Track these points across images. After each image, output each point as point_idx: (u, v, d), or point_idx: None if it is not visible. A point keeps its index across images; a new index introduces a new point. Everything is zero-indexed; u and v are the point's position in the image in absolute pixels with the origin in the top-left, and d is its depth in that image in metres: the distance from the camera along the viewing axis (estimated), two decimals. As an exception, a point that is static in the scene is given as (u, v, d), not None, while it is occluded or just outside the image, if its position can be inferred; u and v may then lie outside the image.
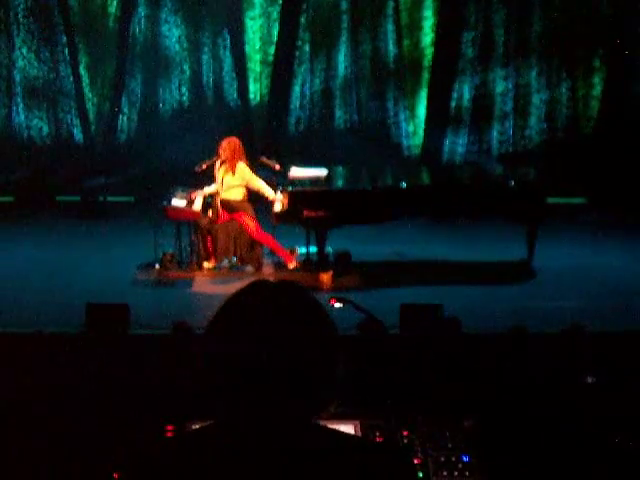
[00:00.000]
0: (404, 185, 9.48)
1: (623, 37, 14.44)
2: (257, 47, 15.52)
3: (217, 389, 1.75)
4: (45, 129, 14.99)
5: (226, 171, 9.36)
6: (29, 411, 3.18)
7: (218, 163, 9.41)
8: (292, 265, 9.46)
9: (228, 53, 15.23)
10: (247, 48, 15.41)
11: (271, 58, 15.41)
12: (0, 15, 14.75)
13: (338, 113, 15.36)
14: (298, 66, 15.19)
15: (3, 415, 3.15)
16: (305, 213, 8.93)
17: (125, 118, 15.26)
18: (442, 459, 2.93)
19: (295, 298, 1.80)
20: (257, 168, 9.56)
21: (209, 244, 9.44)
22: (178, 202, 9.45)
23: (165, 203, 9.48)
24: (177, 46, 15.26)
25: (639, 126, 13.77)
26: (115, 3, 15.22)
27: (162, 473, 1.72)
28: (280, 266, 9.54)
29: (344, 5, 15.11)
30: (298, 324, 1.74)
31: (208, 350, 1.77)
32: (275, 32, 15.28)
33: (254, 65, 15.54)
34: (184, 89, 15.39)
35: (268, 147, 13.45)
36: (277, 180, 9.54)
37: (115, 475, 2.80)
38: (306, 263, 9.60)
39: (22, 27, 14.72)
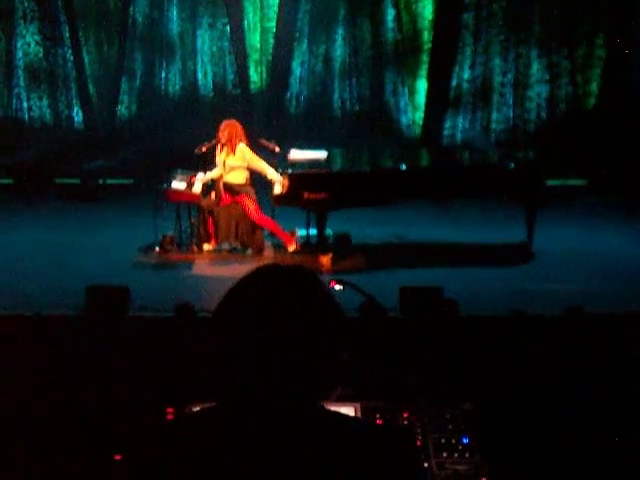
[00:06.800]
0: (404, 167, 9.47)
1: (625, 15, 14.38)
2: (257, 29, 15.46)
3: (222, 372, 1.76)
4: (46, 112, 14.97)
5: (227, 153, 9.34)
6: (29, 393, 3.18)
7: (219, 147, 9.40)
8: (292, 248, 9.46)
9: (228, 36, 15.18)
10: (247, 32, 15.35)
11: (271, 40, 15.35)
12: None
13: (337, 95, 15.32)
14: (297, 47, 15.15)
15: (3, 397, 3.16)
16: (305, 195, 8.92)
17: (125, 101, 15.24)
18: (442, 441, 2.93)
19: (304, 283, 1.79)
20: (257, 150, 9.54)
21: (210, 225, 9.44)
22: (178, 185, 9.45)
23: (165, 186, 9.48)
24: (178, 29, 15.22)
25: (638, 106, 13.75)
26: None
27: (163, 455, 1.72)
28: (280, 249, 9.54)
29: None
30: (306, 308, 1.74)
31: (215, 333, 1.77)
32: (274, 9, 15.24)
33: (254, 48, 15.49)
34: (185, 72, 15.37)
35: (268, 130, 13.43)
36: (277, 162, 9.53)
37: (116, 457, 2.81)
38: (306, 245, 9.60)
39: (24, 10, 14.67)
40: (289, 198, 9.09)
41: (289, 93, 15.34)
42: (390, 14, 14.98)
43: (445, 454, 2.90)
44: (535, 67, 14.82)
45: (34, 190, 12.96)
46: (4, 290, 7.50)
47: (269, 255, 9.45)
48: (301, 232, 9.72)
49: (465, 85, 14.88)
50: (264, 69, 15.55)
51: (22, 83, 14.93)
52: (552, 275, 8.55)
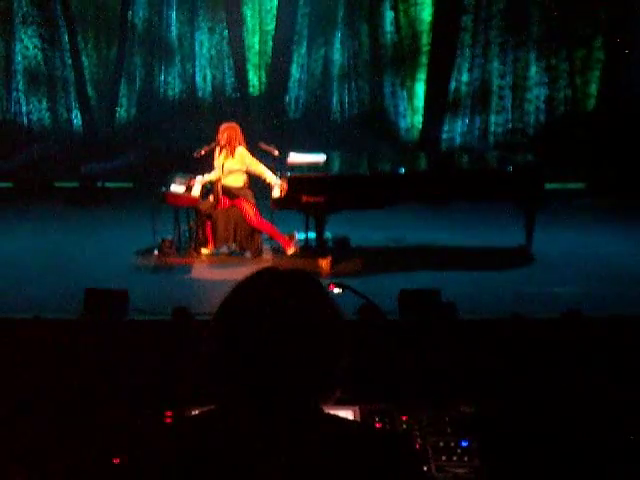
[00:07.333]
0: (402, 170, 9.48)
1: (623, 16, 14.39)
2: (256, 32, 15.46)
3: (221, 374, 1.76)
4: (45, 115, 14.97)
5: (226, 156, 9.35)
6: (28, 396, 3.18)
7: (218, 149, 9.40)
8: (291, 251, 9.46)
9: (227, 39, 15.18)
10: (246, 35, 15.36)
11: (270, 44, 15.36)
12: (1, 3, 14.71)
13: (336, 98, 15.33)
14: (296, 50, 15.16)
15: (3, 400, 3.16)
16: (304, 199, 8.91)
17: (125, 104, 15.24)
18: (441, 444, 2.93)
19: (303, 286, 1.80)
20: (256, 154, 9.55)
21: (208, 229, 9.44)
22: (177, 188, 9.45)
23: (164, 189, 9.48)
24: (177, 32, 15.23)
25: (637, 109, 13.75)
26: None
27: (162, 459, 1.72)
28: (279, 252, 9.54)
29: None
30: (306, 312, 1.74)
31: (215, 335, 1.77)
32: (273, 13, 15.23)
33: (253, 51, 15.49)
34: (184, 75, 15.37)
35: (267, 133, 13.43)
36: (276, 166, 9.53)
37: (115, 460, 2.80)
38: (305, 249, 9.60)
39: (23, 14, 14.68)
40: (288, 201, 9.09)
41: (288, 96, 15.34)
42: (388, 17, 14.99)
43: (444, 457, 2.89)
44: (534, 70, 14.83)
45: (33, 193, 12.96)
46: (3, 293, 7.50)
47: (268, 258, 9.44)
48: (300, 235, 9.72)
49: (464, 88, 14.88)
50: (263, 72, 15.56)
51: (21, 87, 14.93)
52: (551, 278, 8.54)
